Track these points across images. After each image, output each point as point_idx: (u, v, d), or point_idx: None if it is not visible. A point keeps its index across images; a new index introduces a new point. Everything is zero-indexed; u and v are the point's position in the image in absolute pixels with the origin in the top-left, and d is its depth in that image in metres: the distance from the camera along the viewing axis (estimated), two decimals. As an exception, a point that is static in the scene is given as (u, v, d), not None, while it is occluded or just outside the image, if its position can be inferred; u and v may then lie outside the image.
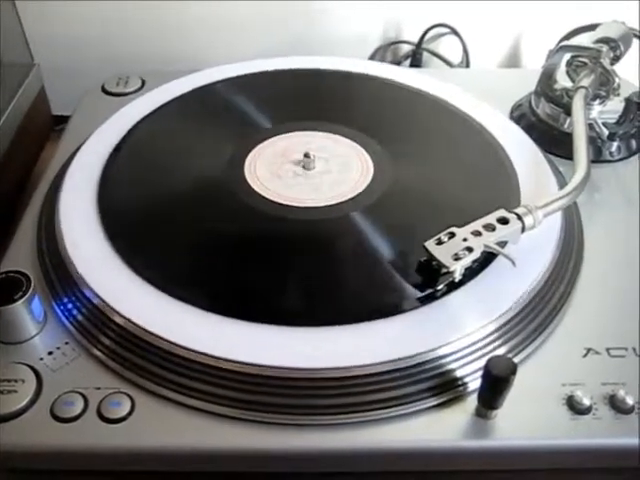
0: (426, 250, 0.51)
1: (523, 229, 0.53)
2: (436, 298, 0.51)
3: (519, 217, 0.53)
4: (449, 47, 0.95)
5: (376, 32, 0.94)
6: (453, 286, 0.52)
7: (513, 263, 0.51)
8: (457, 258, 0.50)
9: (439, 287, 0.51)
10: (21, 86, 0.78)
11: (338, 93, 0.76)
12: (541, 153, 0.67)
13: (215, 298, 0.52)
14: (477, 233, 0.51)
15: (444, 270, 0.50)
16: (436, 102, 0.74)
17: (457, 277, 0.51)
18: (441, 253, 0.50)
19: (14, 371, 0.49)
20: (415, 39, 0.94)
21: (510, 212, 0.53)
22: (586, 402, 0.47)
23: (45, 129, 0.85)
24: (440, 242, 0.51)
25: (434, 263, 0.51)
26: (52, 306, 0.53)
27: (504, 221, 0.52)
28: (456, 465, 0.48)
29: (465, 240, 0.51)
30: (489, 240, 0.51)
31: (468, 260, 0.50)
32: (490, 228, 0.52)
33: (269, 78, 0.78)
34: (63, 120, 0.78)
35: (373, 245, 0.56)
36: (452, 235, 0.51)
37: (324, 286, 0.53)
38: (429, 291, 0.51)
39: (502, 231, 0.52)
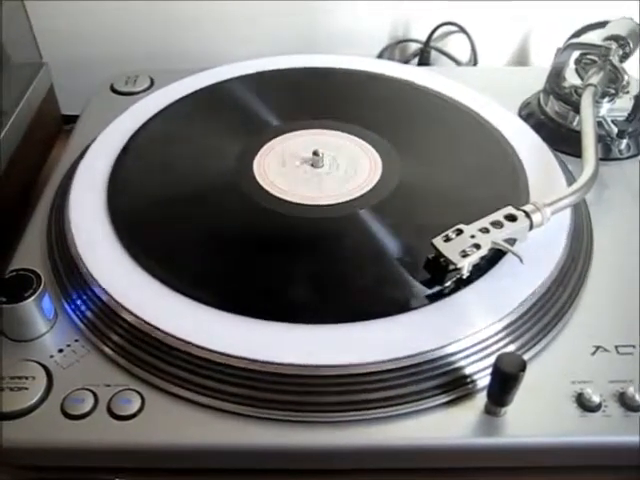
0: (434, 247, 0.51)
1: (531, 226, 0.52)
2: (445, 295, 0.51)
3: (527, 214, 0.52)
4: (457, 45, 0.94)
5: (384, 30, 0.94)
6: (462, 283, 0.52)
7: (521, 260, 0.51)
8: (465, 255, 0.50)
9: (447, 284, 0.52)
10: (30, 85, 0.78)
11: (346, 91, 0.76)
12: (550, 151, 0.67)
13: (224, 295, 0.52)
14: (485, 230, 0.51)
15: (452, 267, 0.50)
16: (445, 100, 0.73)
17: (465, 274, 0.51)
18: (449, 250, 0.50)
19: (25, 368, 0.49)
20: (423, 37, 0.93)
21: (518, 209, 0.53)
22: (595, 399, 0.47)
23: (54, 128, 0.85)
24: (448, 239, 0.51)
25: (442, 260, 0.51)
26: (62, 304, 0.54)
27: (512, 218, 0.52)
28: (465, 462, 0.48)
29: (473, 237, 0.51)
30: (497, 237, 0.51)
31: (476, 257, 0.50)
32: (498, 225, 0.52)
33: (278, 76, 0.78)
34: (72, 120, 0.78)
35: (381, 243, 0.56)
36: (460, 232, 0.51)
37: (332, 284, 0.54)
38: (437, 288, 0.51)
39: (510, 228, 0.52)
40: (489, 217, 0.52)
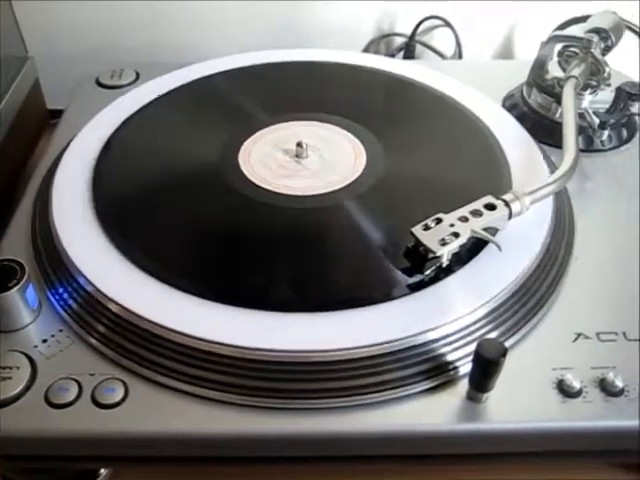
0: (413, 235, 0.51)
1: (510, 215, 0.53)
2: (426, 284, 0.52)
3: (506, 203, 0.53)
4: (442, 39, 0.95)
5: (369, 24, 0.94)
6: (444, 272, 0.52)
7: (499, 248, 0.52)
8: (444, 243, 0.50)
9: (427, 272, 0.52)
10: (15, 79, 0.78)
11: (331, 84, 0.77)
12: (533, 142, 0.67)
13: (208, 284, 0.52)
14: (464, 219, 0.52)
15: (431, 255, 0.51)
16: (429, 92, 0.74)
17: (444, 262, 0.52)
18: (428, 238, 0.51)
19: (8, 358, 0.49)
20: (408, 31, 0.94)
21: (497, 198, 0.53)
22: (576, 385, 0.47)
23: (40, 123, 0.85)
24: (427, 227, 0.51)
25: (421, 248, 0.51)
26: (46, 294, 0.54)
27: (491, 207, 0.53)
28: (447, 448, 0.49)
29: (452, 226, 0.51)
30: (476, 226, 0.51)
31: (455, 245, 0.51)
32: (477, 214, 0.52)
33: (263, 70, 0.78)
34: (58, 114, 0.77)
35: (365, 233, 0.56)
36: (439, 221, 0.52)
37: (315, 273, 0.54)
38: (418, 277, 0.52)
39: (489, 217, 0.52)
40: (469, 206, 0.53)
